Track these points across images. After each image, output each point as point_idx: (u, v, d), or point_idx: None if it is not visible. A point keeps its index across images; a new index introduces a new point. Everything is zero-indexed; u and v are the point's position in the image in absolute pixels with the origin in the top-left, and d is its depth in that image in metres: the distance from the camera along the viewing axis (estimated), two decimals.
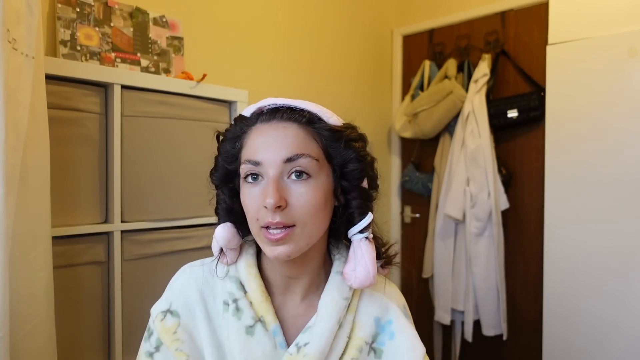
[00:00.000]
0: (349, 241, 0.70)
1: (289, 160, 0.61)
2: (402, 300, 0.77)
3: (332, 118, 0.67)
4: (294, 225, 0.61)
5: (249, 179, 0.63)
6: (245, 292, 0.68)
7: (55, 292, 1.09)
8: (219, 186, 0.71)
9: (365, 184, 0.69)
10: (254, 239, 0.72)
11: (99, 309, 1.28)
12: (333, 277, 0.70)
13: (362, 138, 0.70)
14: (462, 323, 2.21)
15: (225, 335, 0.66)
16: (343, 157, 0.65)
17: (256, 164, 0.62)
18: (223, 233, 0.68)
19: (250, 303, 0.67)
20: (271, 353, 0.65)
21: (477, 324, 2.16)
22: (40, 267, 1.03)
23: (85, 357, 1.26)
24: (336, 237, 0.74)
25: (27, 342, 1.00)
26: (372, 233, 0.69)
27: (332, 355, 0.66)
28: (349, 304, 0.69)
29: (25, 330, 1.00)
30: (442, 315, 2.24)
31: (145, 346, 0.69)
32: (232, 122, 0.70)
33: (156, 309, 0.70)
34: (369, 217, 0.67)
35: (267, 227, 0.61)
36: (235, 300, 0.67)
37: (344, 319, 0.68)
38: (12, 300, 0.94)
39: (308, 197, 0.61)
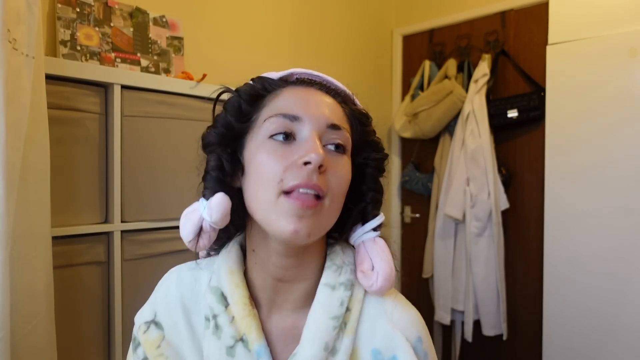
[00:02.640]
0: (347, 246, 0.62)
1: (333, 127, 0.54)
2: (416, 328, 0.59)
3: (358, 104, 0.63)
4: (323, 198, 0.52)
5: (276, 138, 0.53)
6: (227, 305, 0.57)
7: (55, 292, 1.09)
8: (214, 149, 0.59)
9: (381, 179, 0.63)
10: (238, 239, 0.64)
11: (99, 309, 1.28)
12: (321, 291, 0.57)
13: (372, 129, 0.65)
14: (462, 323, 2.21)
15: (206, 356, 0.56)
16: (369, 145, 0.61)
17: (294, 118, 0.53)
18: (222, 203, 0.55)
19: (232, 318, 0.56)
20: None
21: (477, 324, 2.16)
22: (40, 267, 1.03)
23: (85, 357, 1.26)
24: (335, 237, 0.64)
25: (27, 342, 1.00)
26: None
27: None
28: (346, 325, 0.56)
29: (25, 330, 1.00)
30: (442, 315, 2.24)
31: (132, 358, 0.61)
32: (251, 82, 0.61)
33: (140, 318, 0.62)
34: (382, 217, 0.61)
35: (291, 193, 0.50)
36: (215, 317, 0.57)
37: (338, 343, 0.55)
38: (12, 301, 0.94)
39: (344, 172, 0.54)
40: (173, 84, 1.42)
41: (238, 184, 0.59)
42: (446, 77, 2.26)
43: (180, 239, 0.59)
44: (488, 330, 2.12)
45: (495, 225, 2.09)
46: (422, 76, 2.41)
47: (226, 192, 0.57)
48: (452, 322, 2.27)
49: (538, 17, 2.11)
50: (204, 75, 1.48)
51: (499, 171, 2.16)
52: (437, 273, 2.27)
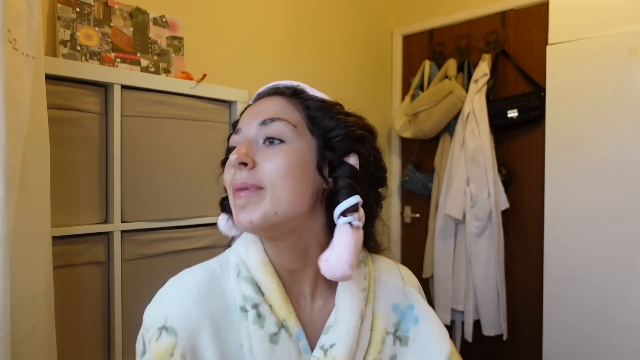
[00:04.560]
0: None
1: (263, 123, 0.59)
2: (416, 282, 0.73)
3: (321, 94, 0.66)
4: (262, 188, 0.57)
5: (230, 155, 0.59)
6: (262, 294, 0.61)
7: (55, 292, 1.09)
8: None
9: (353, 161, 0.61)
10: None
11: (99, 309, 1.28)
12: None
13: (356, 116, 0.67)
14: (462, 323, 2.21)
15: (247, 347, 0.58)
16: (327, 126, 0.62)
17: (237, 132, 0.62)
18: (222, 222, 0.69)
19: (270, 306, 0.60)
20: (297, 359, 0.60)
21: (477, 324, 2.16)
22: (40, 267, 1.03)
23: (85, 357, 1.26)
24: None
25: (27, 342, 1.00)
26: (371, 230, 0.65)
27: (358, 352, 0.61)
28: (368, 294, 0.64)
29: (25, 330, 1.00)
30: (442, 315, 2.24)
31: None
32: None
33: (150, 323, 0.60)
34: (354, 199, 0.58)
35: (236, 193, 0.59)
36: (255, 306, 0.59)
37: (365, 311, 0.63)
38: (12, 301, 0.94)
39: (278, 159, 0.57)
40: (173, 84, 1.42)
41: None
42: (446, 77, 2.26)
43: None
44: (488, 330, 2.12)
45: (495, 225, 2.09)
46: (422, 76, 2.41)
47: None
48: (452, 322, 2.27)
49: (538, 17, 2.11)
50: (204, 75, 1.48)
51: (499, 171, 2.16)
52: (437, 273, 2.27)
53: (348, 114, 0.65)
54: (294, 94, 0.64)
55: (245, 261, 0.63)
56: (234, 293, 0.61)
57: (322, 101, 0.64)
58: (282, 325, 0.60)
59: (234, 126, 0.67)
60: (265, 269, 0.62)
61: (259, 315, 0.59)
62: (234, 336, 0.59)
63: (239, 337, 0.59)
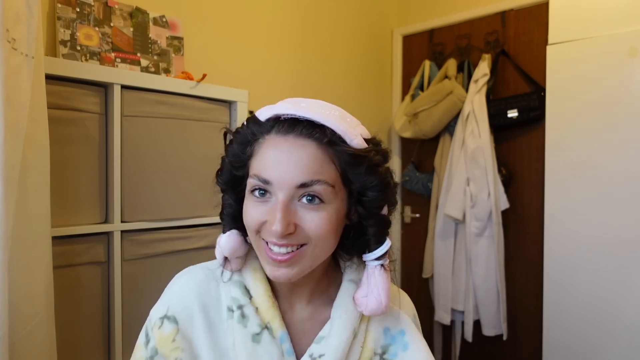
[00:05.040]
0: (358, 249, 0.67)
1: (303, 185, 0.56)
2: (412, 309, 0.75)
3: (356, 139, 0.59)
4: (303, 245, 0.59)
5: (256, 194, 0.59)
6: (250, 297, 0.65)
7: (55, 292, 1.09)
8: (225, 190, 0.67)
9: (385, 210, 0.64)
10: None
11: (99, 309, 1.28)
12: (346, 286, 0.67)
13: (385, 159, 0.64)
14: (462, 323, 2.21)
15: (231, 343, 0.62)
16: (363, 184, 0.60)
17: (266, 182, 0.57)
18: (229, 242, 0.65)
19: (256, 309, 0.64)
20: None
21: (477, 324, 2.16)
22: (40, 267, 1.03)
23: (85, 357, 1.26)
24: (347, 253, 0.70)
25: (27, 342, 1.00)
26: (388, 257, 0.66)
27: None
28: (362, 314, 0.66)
29: (25, 330, 1.00)
30: (442, 315, 2.24)
31: (142, 352, 0.65)
32: (245, 123, 0.64)
33: (155, 314, 0.66)
34: (387, 245, 0.63)
35: (268, 244, 0.59)
36: (240, 307, 0.64)
37: (358, 328, 0.65)
38: (12, 300, 0.94)
39: (320, 224, 0.58)
40: (173, 84, 1.42)
41: None
42: (446, 77, 2.26)
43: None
44: (488, 330, 2.12)
45: (495, 225, 2.09)
46: (422, 76, 2.41)
47: (239, 224, 0.65)
48: (452, 322, 2.27)
49: (538, 17, 2.11)
50: (204, 75, 1.48)
51: (499, 171, 2.16)
52: (437, 273, 2.27)
53: (380, 163, 0.62)
54: (330, 144, 0.58)
55: (244, 269, 0.68)
56: (226, 295, 0.66)
57: (358, 156, 0.59)
58: (265, 327, 0.63)
59: (244, 144, 0.61)
60: (255, 275, 0.66)
61: (243, 316, 0.63)
62: (225, 333, 0.64)
63: (227, 335, 0.64)
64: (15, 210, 0.95)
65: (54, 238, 1.12)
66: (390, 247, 0.64)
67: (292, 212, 0.57)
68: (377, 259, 0.63)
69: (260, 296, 0.65)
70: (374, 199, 0.61)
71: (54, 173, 1.10)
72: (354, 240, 0.65)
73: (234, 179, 0.64)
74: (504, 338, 2.12)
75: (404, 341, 0.67)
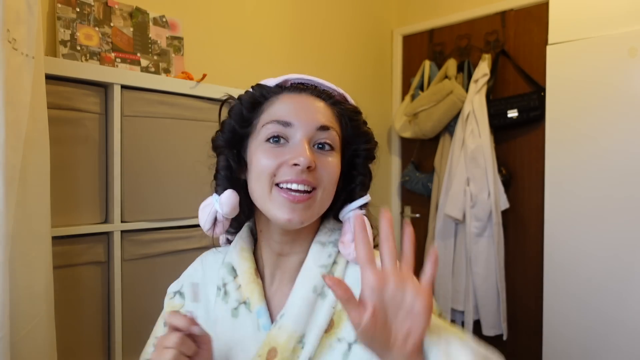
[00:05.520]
0: (338, 222, 0.71)
1: (322, 128, 0.62)
2: None
3: (352, 101, 0.70)
4: (315, 189, 0.61)
5: (271, 141, 0.61)
6: (235, 276, 0.68)
7: (55, 292, 1.09)
8: (222, 151, 0.68)
9: (371, 165, 0.71)
10: (249, 224, 0.74)
11: (99, 309, 1.28)
12: (312, 247, 0.67)
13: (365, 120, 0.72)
14: (462, 323, 2.21)
15: (214, 319, 0.66)
16: (360, 137, 0.68)
17: (286, 124, 0.61)
18: (230, 198, 0.65)
19: (239, 286, 0.67)
20: (253, 334, 0.63)
21: (477, 324, 2.16)
22: (40, 267, 1.03)
23: (85, 357, 1.26)
24: (326, 215, 0.71)
25: (27, 342, 1.00)
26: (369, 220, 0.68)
27: (313, 327, 0.61)
28: (334, 273, 0.65)
29: (25, 330, 1.00)
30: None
31: (159, 320, 0.73)
32: (250, 89, 0.68)
33: (170, 289, 0.75)
34: (368, 197, 0.68)
35: (282, 187, 0.60)
36: (224, 284, 0.68)
37: (326, 288, 0.63)
38: (12, 301, 0.94)
39: (332, 168, 0.62)
40: (173, 84, 1.42)
41: (244, 178, 0.68)
42: (446, 77, 2.26)
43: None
44: (488, 330, 2.12)
45: (495, 225, 2.09)
46: (422, 76, 2.41)
47: (234, 187, 0.67)
48: (452, 322, 2.27)
49: (538, 17, 2.11)
50: (204, 75, 1.48)
51: (499, 171, 2.16)
52: (437, 273, 2.27)
53: (365, 123, 0.70)
54: (336, 104, 0.67)
55: (232, 248, 0.72)
56: (217, 276, 0.71)
57: (356, 111, 0.69)
58: (243, 302, 0.65)
59: (252, 104, 0.65)
60: (241, 254, 0.69)
61: (225, 293, 0.67)
62: (213, 309, 0.68)
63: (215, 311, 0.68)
64: (16, 210, 0.95)
65: (54, 238, 1.12)
66: (369, 208, 0.68)
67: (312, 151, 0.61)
68: (361, 208, 0.67)
69: (243, 273, 0.67)
70: (366, 151, 0.69)
71: (54, 173, 1.10)
72: (341, 193, 0.68)
73: (235, 138, 0.67)
74: (504, 338, 2.12)
75: None
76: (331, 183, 0.62)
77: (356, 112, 0.69)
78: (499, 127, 2.18)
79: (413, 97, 2.39)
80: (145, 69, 1.48)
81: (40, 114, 1.04)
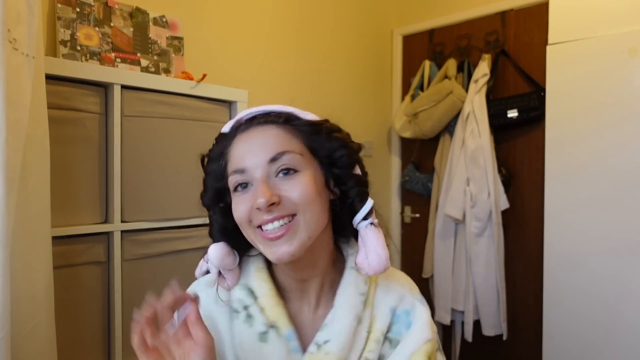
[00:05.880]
0: (355, 233, 0.69)
1: (273, 160, 0.61)
2: (413, 285, 0.76)
3: (308, 116, 0.67)
4: (294, 215, 0.60)
5: (239, 189, 0.63)
6: (255, 298, 0.67)
7: (55, 292, 1.09)
8: (210, 207, 0.70)
9: (358, 170, 0.68)
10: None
11: (99, 309, 1.28)
12: (348, 273, 0.69)
13: (340, 130, 0.69)
14: (462, 323, 2.21)
15: (238, 343, 0.64)
16: (328, 148, 0.66)
17: (242, 171, 0.62)
18: (215, 251, 0.67)
19: (262, 309, 0.65)
20: (287, 358, 0.63)
21: (477, 324, 2.16)
22: (40, 267, 1.03)
23: (85, 357, 1.26)
24: (344, 234, 0.72)
25: (27, 342, 1.00)
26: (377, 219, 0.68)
27: (353, 352, 0.64)
28: (366, 299, 0.67)
29: (25, 331, 1.00)
30: (442, 315, 2.24)
31: None
32: (214, 142, 0.70)
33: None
34: (370, 203, 0.66)
35: (262, 227, 0.61)
36: (246, 307, 0.66)
37: (362, 314, 0.66)
38: (12, 301, 0.94)
39: (300, 187, 0.61)
40: (173, 84, 1.42)
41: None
42: (446, 77, 2.25)
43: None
44: (488, 330, 2.12)
45: (495, 225, 2.09)
46: (422, 76, 2.41)
47: (231, 236, 0.67)
48: (452, 322, 2.27)
49: (538, 17, 2.11)
50: (204, 75, 1.48)
51: (499, 171, 2.16)
52: (437, 273, 2.27)
53: (337, 129, 0.68)
54: (287, 122, 0.65)
55: (247, 270, 0.70)
56: (231, 298, 0.68)
57: (314, 124, 0.66)
58: (271, 326, 0.64)
59: (215, 158, 0.67)
60: (258, 275, 0.68)
61: (249, 316, 0.65)
62: (229, 335, 0.66)
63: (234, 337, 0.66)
64: (16, 210, 0.95)
65: (54, 238, 1.12)
66: (374, 207, 0.66)
67: (272, 186, 0.61)
68: (365, 218, 0.65)
69: (265, 296, 0.66)
70: (342, 156, 0.66)
71: (54, 173, 1.10)
72: (342, 209, 0.67)
73: (217, 193, 0.68)
74: (504, 338, 2.12)
75: (409, 320, 0.69)
76: (309, 202, 0.61)
77: (313, 124, 0.66)
78: (499, 127, 2.18)
79: (413, 97, 2.39)
80: (145, 69, 1.48)
81: (40, 114, 1.04)
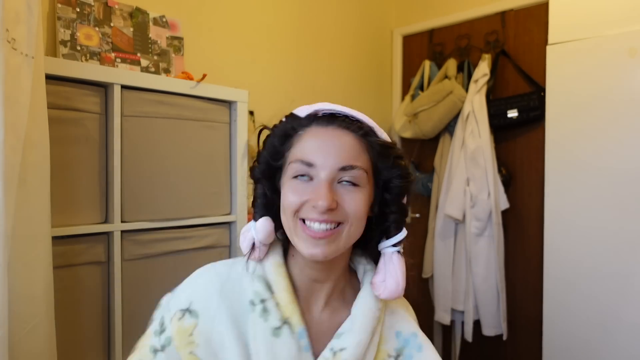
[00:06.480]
0: (375, 253, 0.72)
1: (343, 169, 0.63)
2: (413, 313, 0.80)
3: (384, 134, 0.69)
4: (341, 223, 0.63)
5: (299, 178, 0.64)
6: (272, 292, 0.67)
7: (55, 292, 1.09)
8: (259, 180, 0.71)
9: (405, 200, 0.71)
10: (282, 239, 0.73)
11: (99, 309, 1.28)
12: (366, 287, 0.71)
13: (404, 157, 0.71)
14: (462, 323, 2.21)
15: (252, 336, 0.65)
16: (390, 173, 0.68)
17: (309, 165, 0.63)
18: (265, 226, 0.68)
19: (277, 304, 0.66)
20: (296, 356, 0.64)
21: (477, 324, 2.16)
22: (40, 267, 1.03)
23: (85, 357, 1.26)
24: (363, 248, 0.75)
25: (27, 342, 1.00)
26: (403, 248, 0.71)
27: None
28: (380, 316, 0.70)
29: (25, 330, 1.00)
30: (442, 315, 2.24)
31: (152, 340, 0.67)
32: (284, 119, 0.69)
33: (174, 305, 0.68)
34: (404, 233, 0.69)
35: (306, 223, 0.63)
36: (263, 301, 0.66)
37: (375, 329, 0.68)
38: (11, 300, 0.94)
39: (358, 203, 0.64)
40: (173, 84, 1.42)
41: (279, 204, 0.69)
42: (446, 77, 2.26)
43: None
44: (488, 330, 2.12)
45: (495, 225, 2.09)
46: (422, 76, 2.41)
47: (271, 213, 0.70)
48: (452, 322, 2.27)
49: (538, 17, 2.11)
50: (204, 75, 1.48)
51: (499, 171, 2.16)
52: (437, 273, 2.27)
53: (402, 156, 0.70)
54: (365, 135, 0.66)
55: (262, 263, 0.70)
56: (249, 288, 0.68)
57: (387, 146, 0.68)
58: (285, 322, 0.65)
59: (283, 137, 0.67)
60: (278, 270, 0.69)
61: (265, 310, 0.65)
62: (247, 325, 0.66)
63: (248, 327, 0.66)
64: (16, 210, 0.95)
65: (54, 238, 1.12)
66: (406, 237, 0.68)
67: (333, 192, 0.63)
68: (395, 245, 0.68)
69: (282, 291, 0.67)
70: (399, 186, 0.68)
71: (54, 173, 1.10)
72: (375, 228, 0.70)
73: (270, 170, 0.69)
74: (504, 338, 2.12)
75: (418, 343, 0.71)
76: (357, 218, 0.64)
77: (385, 146, 0.67)
78: (499, 127, 2.18)
79: (413, 97, 2.39)
80: (145, 69, 1.48)
81: (40, 114, 1.04)
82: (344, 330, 0.67)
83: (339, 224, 0.63)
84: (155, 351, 0.65)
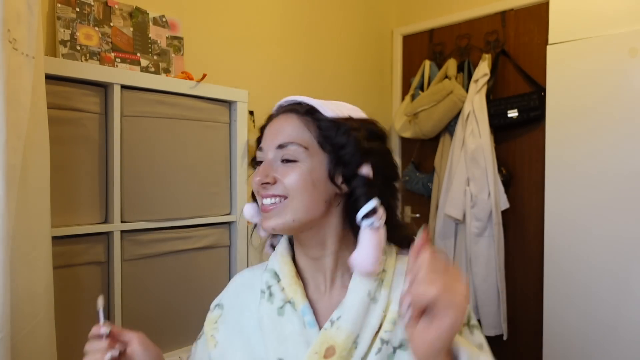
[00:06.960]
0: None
1: (280, 147, 0.70)
2: None
3: (332, 112, 0.71)
4: (285, 197, 0.68)
5: (259, 164, 0.73)
6: (278, 280, 0.74)
7: (55, 292, 1.09)
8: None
9: (366, 171, 0.69)
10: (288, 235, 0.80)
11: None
12: None
13: (372, 134, 0.72)
14: None
15: (258, 320, 0.72)
16: (337, 143, 0.70)
17: (260, 149, 0.73)
18: (248, 209, 0.78)
19: (283, 288, 0.73)
20: (300, 331, 0.68)
21: None
22: (40, 267, 1.03)
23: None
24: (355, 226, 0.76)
25: (27, 343, 1.00)
26: (395, 220, 0.74)
27: (367, 330, 0.67)
28: (383, 281, 0.70)
29: (25, 331, 1.00)
30: None
31: (201, 334, 0.81)
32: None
33: (213, 303, 0.82)
34: (371, 204, 0.67)
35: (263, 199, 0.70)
36: (269, 287, 0.74)
37: (377, 294, 0.69)
38: (12, 301, 0.94)
39: (294, 177, 0.68)
40: (173, 84, 1.42)
41: None
42: (446, 77, 2.25)
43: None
44: (488, 330, 2.12)
45: (496, 225, 2.09)
46: (422, 76, 2.41)
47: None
48: None
49: (538, 17, 2.11)
50: (204, 75, 1.48)
51: (499, 171, 2.16)
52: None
53: (358, 128, 0.71)
54: (308, 113, 0.71)
55: (273, 256, 0.79)
56: (260, 282, 0.76)
57: (333, 120, 0.71)
58: (288, 301, 0.71)
59: (260, 133, 0.76)
60: (282, 259, 0.76)
61: (271, 294, 0.73)
62: (252, 314, 0.74)
63: (253, 316, 0.74)
64: (16, 210, 0.95)
65: (54, 238, 1.12)
66: (376, 207, 0.68)
67: (273, 168, 0.70)
68: (366, 218, 0.67)
69: (285, 276, 0.73)
70: (346, 156, 0.69)
71: (54, 173, 1.10)
72: (350, 205, 0.71)
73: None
74: (504, 338, 2.12)
75: None
76: (297, 191, 0.68)
77: (329, 120, 0.70)
78: (499, 127, 2.18)
79: (413, 97, 2.39)
80: (145, 69, 1.48)
81: (40, 114, 1.04)
82: (342, 301, 0.69)
83: (284, 198, 0.68)
84: (198, 338, 0.81)
